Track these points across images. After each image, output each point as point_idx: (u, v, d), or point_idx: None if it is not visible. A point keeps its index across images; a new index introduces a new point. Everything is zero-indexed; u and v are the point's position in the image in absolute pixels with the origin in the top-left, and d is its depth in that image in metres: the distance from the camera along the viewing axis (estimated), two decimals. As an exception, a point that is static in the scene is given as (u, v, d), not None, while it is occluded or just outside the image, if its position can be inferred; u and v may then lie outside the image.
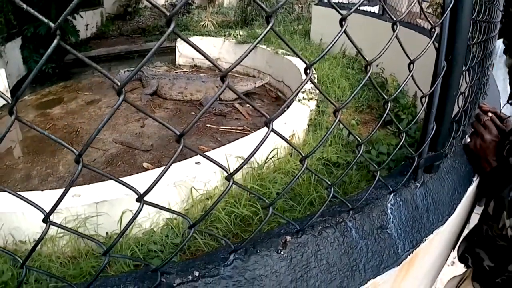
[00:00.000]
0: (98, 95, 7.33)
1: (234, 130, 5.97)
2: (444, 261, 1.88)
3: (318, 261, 0.96)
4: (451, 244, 1.75)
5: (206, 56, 0.63)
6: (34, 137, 5.68)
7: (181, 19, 12.01)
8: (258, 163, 3.99)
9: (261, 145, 0.71)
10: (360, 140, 0.99)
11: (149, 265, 0.83)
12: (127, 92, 7.56)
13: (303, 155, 0.84)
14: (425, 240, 1.20)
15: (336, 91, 6.33)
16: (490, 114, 1.55)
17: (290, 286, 0.90)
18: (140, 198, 0.69)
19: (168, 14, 0.56)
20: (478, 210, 1.68)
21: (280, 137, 0.77)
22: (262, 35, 0.66)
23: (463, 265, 1.70)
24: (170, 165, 0.66)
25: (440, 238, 1.36)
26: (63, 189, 0.66)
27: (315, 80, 5.11)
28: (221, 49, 8.95)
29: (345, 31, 0.79)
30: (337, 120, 0.85)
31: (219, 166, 0.74)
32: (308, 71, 0.74)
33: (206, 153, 3.75)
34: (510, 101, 2.31)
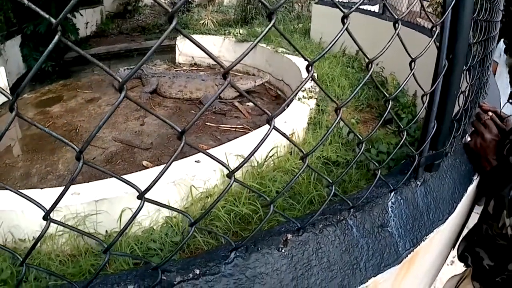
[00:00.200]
0: (98, 93, 7.32)
1: (234, 129, 5.97)
2: (444, 260, 1.88)
3: (319, 259, 0.96)
4: (451, 243, 1.75)
5: (208, 53, 0.63)
6: (34, 135, 5.67)
7: (181, 17, 12.00)
8: (257, 162, 3.99)
9: (263, 142, 0.71)
10: (361, 138, 0.99)
11: (150, 263, 0.83)
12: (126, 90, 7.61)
13: (305, 152, 0.84)
14: (426, 238, 1.20)
15: (336, 90, 6.32)
16: (490, 113, 1.55)
17: (291, 284, 0.90)
18: (141, 196, 0.69)
19: (170, 10, 0.56)
20: (478, 209, 1.69)
21: (282, 134, 0.77)
22: (265, 31, 0.66)
23: (462, 264, 1.70)
24: (171, 162, 0.65)
25: (440, 237, 1.36)
26: (63, 187, 0.66)
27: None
28: (221, 47, 8.94)
29: (347, 29, 0.79)
30: (338, 118, 0.85)
31: (220, 163, 0.74)
32: (309, 68, 0.73)
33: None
34: (510, 100, 2.30)
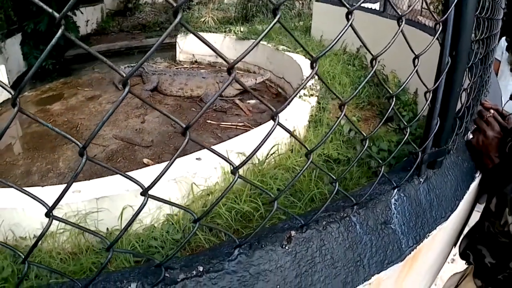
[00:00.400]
0: (98, 91, 7.32)
1: (235, 126, 5.96)
2: (445, 257, 1.88)
3: (323, 256, 0.96)
4: (453, 240, 1.75)
5: (212, 48, 0.63)
6: (34, 133, 5.67)
7: (182, 15, 11.95)
8: (258, 159, 3.99)
9: (268, 138, 0.71)
10: (365, 135, 0.99)
11: (153, 260, 0.83)
12: (127, 88, 7.58)
13: (309, 149, 0.84)
14: (429, 236, 1.20)
15: (337, 88, 6.31)
16: (492, 111, 1.55)
17: (294, 281, 0.90)
18: (145, 192, 0.69)
19: (175, 5, 0.56)
20: (479, 208, 1.69)
21: (286, 130, 0.77)
22: (270, 26, 0.66)
23: (464, 262, 1.70)
24: (175, 159, 0.65)
25: (442, 234, 1.36)
26: (65, 184, 0.66)
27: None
28: (222, 45, 8.92)
29: (351, 25, 0.78)
30: (342, 114, 0.85)
31: (225, 159, 0.74)
32: (314, 64, 0.73)
33: (206, 149, 3.74)
34: (512, 98, 2.30)
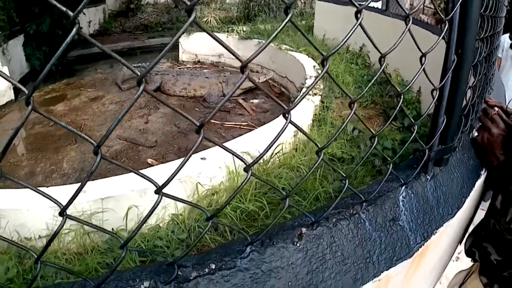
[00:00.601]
0: (101, 91, 7.33)
1: (238, 126, 5.97)
2: (451, 255, 1.88)
3: (333, 253, 0.97)
4: (458, 238, 1.75)
5: (225, 46, 0.64)
6: (38, 134, 5.69)
7: (184, 15, 11.97)
8: (263, 159, 3.99)
9: (281, 135, 0.72)
10: (374, 132, 0.99)
11: (157, 260, 0.84)
12: (130, 89, 7.50)
13: (320, 146, 0.85)
14: (436, 232, 1.21)
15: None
16: (496, 108, 1.55)
17: (306, 278, 0.91)
18: (159, 190, 0.70)
19: (188, 4, 0.56)
20: (483, 206, 1.69)
21: (298, 128, 0.78)
22: (283, 24, 0.67)
23: (469, 259, 1.70)
24: (190, 156, 0.66)
25: (449, 231, 1.37)
26: (70, 184, 0.67)
27: (320, 75, 5.16)
28: (225, 45, 8.93)
29: (360, 24, 0.79)
30: (352, 112, 0.86)
31: (238, 157, 0.74)
32: (325, 62, 0.74)
33: (210, 149, 3.76)
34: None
